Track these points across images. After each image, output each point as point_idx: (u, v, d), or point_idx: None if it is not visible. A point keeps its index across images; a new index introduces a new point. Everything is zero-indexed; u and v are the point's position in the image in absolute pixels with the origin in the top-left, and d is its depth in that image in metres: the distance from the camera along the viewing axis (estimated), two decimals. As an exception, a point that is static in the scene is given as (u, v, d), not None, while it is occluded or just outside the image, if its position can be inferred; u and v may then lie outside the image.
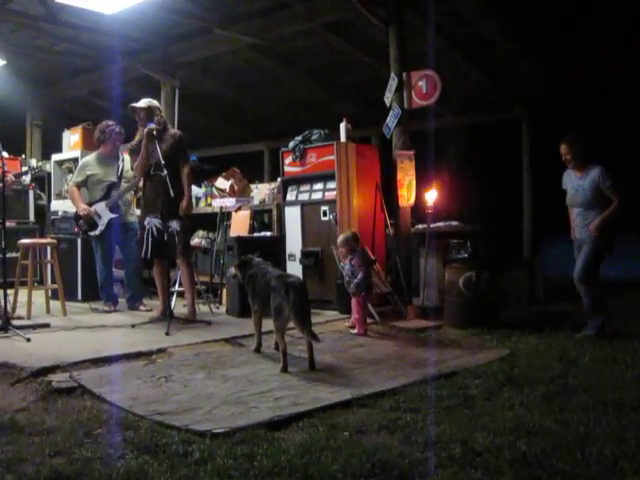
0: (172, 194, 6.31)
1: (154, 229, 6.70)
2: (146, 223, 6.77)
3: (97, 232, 7.52)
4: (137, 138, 6.86)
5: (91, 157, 7.85)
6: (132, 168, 7.06)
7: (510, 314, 7.37)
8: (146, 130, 6.59)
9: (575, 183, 6.47)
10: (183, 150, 6.88)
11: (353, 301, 6.65)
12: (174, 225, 6.67)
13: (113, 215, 7.53)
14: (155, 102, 7.02)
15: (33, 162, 11.37)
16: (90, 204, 7.57)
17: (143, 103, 6.82)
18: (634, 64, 8.76)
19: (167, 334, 6.02)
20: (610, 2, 7.76)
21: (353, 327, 6.58)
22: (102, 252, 7.65)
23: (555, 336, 6.30)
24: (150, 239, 6.71)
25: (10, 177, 6.79)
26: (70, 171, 10.73)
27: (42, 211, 10.71)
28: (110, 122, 7.84)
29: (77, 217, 7.68)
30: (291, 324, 5.00)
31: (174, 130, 7.08)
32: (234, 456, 3.20)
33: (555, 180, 6.75)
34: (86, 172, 7.69)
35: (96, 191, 7.66)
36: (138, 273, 7.79)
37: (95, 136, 7.90)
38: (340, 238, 6.82)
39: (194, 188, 8.54)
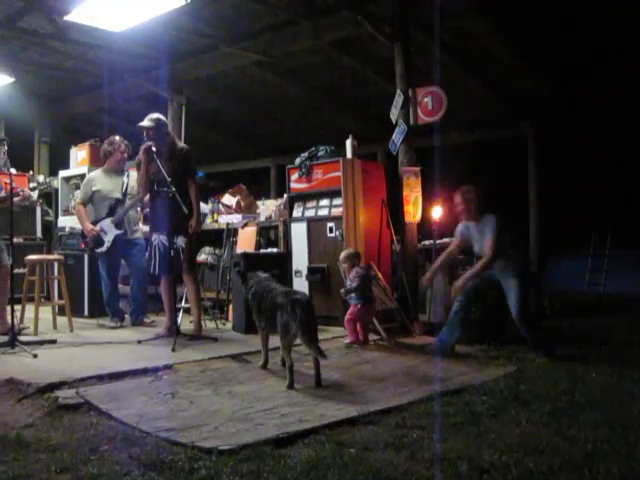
0: (186, 210, 6.34)
1: (161, 245, 6.73)
2: (153, 239, 6.81)
3: (103, 249, 7.55)
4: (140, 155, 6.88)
5: (96, 173, 7.88)
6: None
7: (516, 330, 7.33)
8: (143, 147, 6.62)
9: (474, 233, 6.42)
10: (190, 166, 6.91)
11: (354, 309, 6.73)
12: (179, 242, 6.70)
13: (118, 231, 7.55)
14: (162, 118, 7.03)
15: (40, 178, 11.43)
16: (96, 222, 7.60)
17: (150, 122, 6.80)
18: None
19: (173, 350, 6.01)
20: (614, 16, 7.79)
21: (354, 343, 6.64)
22: (107, 268, 7.67)
23: (561, 352, 6.28)
24: (157, 255, 6.75)
25: (27, 191, 6.88)
26: (77, 187, 10.78)
27: (49, 227, 10.76)
28: (117, 137, 7.88)
29: (84, 235, 7.71)
30: (297, 341, 5.00)
31: (182, 145, 7.08)
32: (240, 473, 3.19)
33: (561, 196, 6.75)
34: (91, 188, 7.71)
35: (101, 207, 7.68)
36: (143, 289, 7.80)
37: (102, 149, 7.92)
38: (342, 254, 6.96)
39: (201, 205, 8.57)
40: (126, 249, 7.65)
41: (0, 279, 6.64)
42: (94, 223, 7.58)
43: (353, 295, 6.67)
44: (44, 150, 12.89)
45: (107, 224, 7.56)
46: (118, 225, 7.57)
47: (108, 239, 7.52)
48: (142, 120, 6.80)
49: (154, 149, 6.59)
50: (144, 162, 6.67)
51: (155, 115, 6.89)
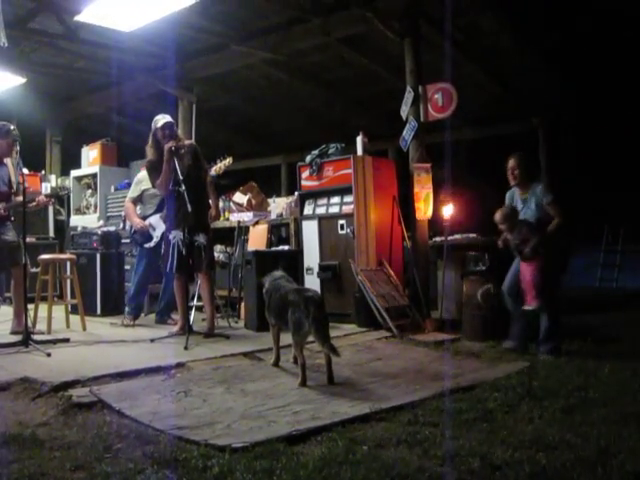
0: (189, 208, 6.34)
1: (180, 243, 6.73)
2: (172, 237, 6.79)
3: (152, 244, 7.59)
4: (153, 156, 6.86)
5: (145, 173, 7.88)
6: (153, 185, 7.08)
7: (528, 326, 7.32)
8: (167, 147, 6.62)
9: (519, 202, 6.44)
10: (201, 160, 6.95)
11: (524, 268, 6.18)
12: (201, 239, 6.71)
13: None
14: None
15: (52, 178, 11.49)
16: (144, 218, 7.66)
17: (170, 118, 6.86)
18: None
19: (186, 348, 6.03)
20: (624, 9, 7.75)
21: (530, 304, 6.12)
22: (147, 264, 7.71)
23: (574, 348, 6.27)
24: (175, 253, 6.74)
25: (42, 197, 6.93)
26: (89, 186, 10.87)
27: (61, 226, 10.82)
28: None
29: (133, 231, 7.77)
30: (309, 338, 5.01)
31: (188, 141, 7.10)
32: (253, 470, 3.20)
33: (572, 191, 6.72)
34: (141, 187, 7.79)
35: (149, 205, 7.75)
36: (172, 288, 7.80)
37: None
38: (499, 214, 6.37)
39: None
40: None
41: (19, 279, 6.67)
42: (143, 218, 7.65)
43: (538, 248, 6.06)
44: (56, 150, 12.94)
45: (156, 219, 7.60)
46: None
47: (156, 234, 7.55)
48: (151, 119, 6.83)
49: (174, 149, 6.62)
50: (167, 161, 6.66)
51: (164, 115, 6.92)
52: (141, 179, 7.88)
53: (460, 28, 8.33)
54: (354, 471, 3.17)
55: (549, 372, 5.33)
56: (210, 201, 7.05)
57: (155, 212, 7.67)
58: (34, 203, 6.92)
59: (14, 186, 6.81)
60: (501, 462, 3.29)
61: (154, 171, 6.82)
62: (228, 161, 8.30)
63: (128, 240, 8.27)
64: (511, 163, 6.43)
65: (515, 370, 5.45)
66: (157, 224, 7.59)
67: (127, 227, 8.15)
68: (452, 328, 7.19)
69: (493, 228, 6.47)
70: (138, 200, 7.88)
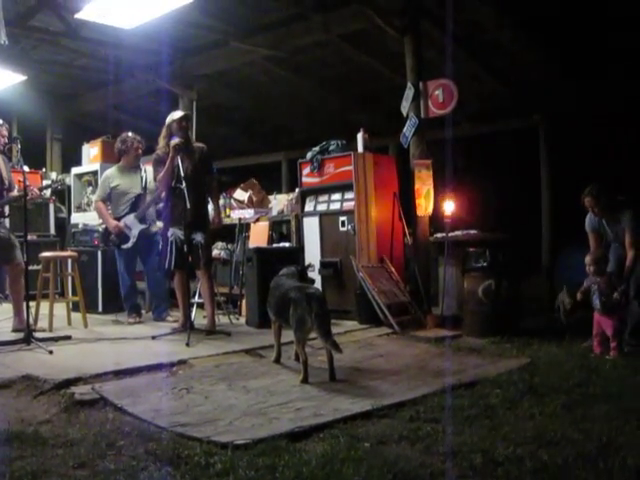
0: (189, 205, 6.36)
1: (178, 241, 6.74)
2: (169, 234, 6.80)
3: (129, 244, 7.58)
4: (162, 149, 6.87)
5: (112, 170, 7.89)
6: (155, 179, 7.08)
7: (530, 322, 7.34)
8: (174, 143, 6.62)
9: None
10: (211, 164, 6.98)
11: (604, 319, 5.97)
12: (198, 237, 6.73)
13: (143, 226, 7.58)
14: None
15: (53, 175, 11.48)
16: (117, 219, 7.63)
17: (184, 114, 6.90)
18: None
19: (187, 345, 6.05)
20: (626, 5, 7.73)
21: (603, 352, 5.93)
22: (127, 263, 7.71)
23: (575, 344, 6.28)
24: (174, 250, 6.76)
25: (35, 191, 6.91)
26: (90, 184, 10.84)
27: (62, 224, 10.81)
28: (130, 133, 7.89)
29: (107, 233, 7.72)
30: (311, 335, 5.02)
31: (199, 144, 7.09)
32: (256, 467, 3.21)
33: (573, 187, 6.70)
34: (109, 185, 7.74)
35: (121, 204, 7.69)
36: (162, 284, 7.81)
37: (116, 147, 7.93)
38: (590, 257, 6.21)
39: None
40: (146, 244, 7.65)
41: (15, 277, 6.69)
42: (117, 219, 7.62)
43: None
44: (56, 147, 12.94)
45: (131, 220, 7.58)
46: (142, 220, 7.59)
47: (133, 234, 7.55)
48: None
49: (181, 146, 6.63)
50: (171, 158, 6.66)
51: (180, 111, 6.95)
52: (109, 176, 7.81)
53: (460, 24, 8.31)
54: (356, 468, 3.18)
55: (550, 368, 5.34)
56: (211, 207, 7.04)
57: (129, 212, 7.63)
58: (28, 197, 6.90)
59: (6, 182, 6.77)
60: (503, 458, 3.30)
61: (160, 164, 6.82)
62: None
63: (102, 244, 8.15)
64: (587, 202, 6.29)
65: (516, 366, 5.46)
66: (132, 224, 7.57)
67: (101, 230, 8.11)
68: (453, 324, 7.19)
69: (494, 225, 6.47)
70: (107, 199, 7.81)
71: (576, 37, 8.45)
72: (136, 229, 7.55)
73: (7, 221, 6.82)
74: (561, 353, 5.96)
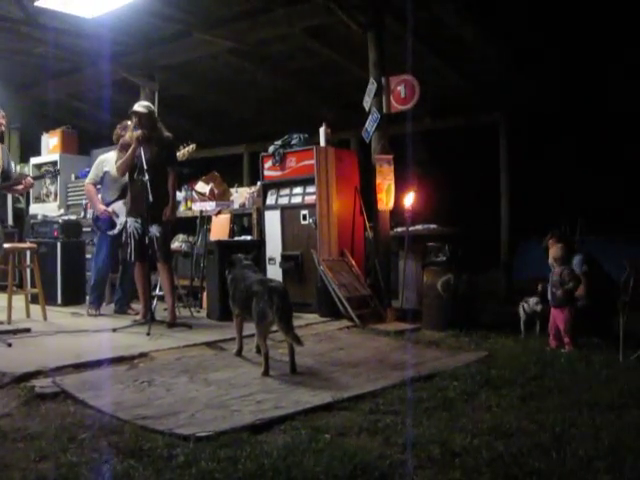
0: (151, 199, 6.34)
1: (135, 232, 6.73)
2: (128, 225, 6.80)
3: (115, 231, 7.50)
4: (128, 138, 6.81)
5: (109, 155, 7.75)
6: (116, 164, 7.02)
7: (487, 316, 7.47)
8: (136, 135, 6.58)
9: None
10: (173, 155, 6.94)
11: (557, 313, 6.12)
12: (154, 230, 6.70)
13: None
14: (152, 106, 7.03)
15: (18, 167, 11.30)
16: (107, 204, 7.56)
17: (144, 108, 6.77)
18: (613, 65, 8.87)
19: (148, 334, 6.08)
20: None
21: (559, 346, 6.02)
22: (109, 252, 7.64)
23: (532, 337, 6.42)
24: (132, 241, 6.75)
25: (28, 179, 6.86)
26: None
27: (21, 214, 10.66)
28: (129, 122, 7.79)
29: (96, 217, 7.67)
30: (273, 328, 5.05)
31: (167, 133, 6.98)
32: (218, 459, 3.24)
33: (531, 183, 6.83)
34: (102, 169, 7.67)
35: (111, 190, 7.63)
36: (131, 277, 7.75)
37: (115, 133, 7.72)
38: (560, 250, 6.39)
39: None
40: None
41: None
42: (105, 205, 7.56)
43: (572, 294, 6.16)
44: (15, 137, 12.72)
45: (119, 206, 7.50)
46: None
47: (120, 221, 7.43)
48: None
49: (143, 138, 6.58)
50: (132, 149, 6.61)
51: (146, 103, 6.88)
52: (103, 160, 7.76)
53: (423, 20, 8.37)
54: (317, 459, 3.22)
55: (507, 361, 5.45)
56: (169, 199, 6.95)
57: (118, 199, 7.58)
58: (20, 186, 6.85)
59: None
60: (460, 449, 3.38)
61: (123, 149, 6.81)
62: (192, 147, 8.28)
63: (89, 228, 8.12)
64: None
65: (474, 359, 5.56)
66: (120, 211, 7.50)
67: (89, 214, 8.05)
68: (413, 318, 7.28)
69: (453, 220, 6.57)
70: (99, 183, 7.75)
71: (535, 35, 8.58)
72: (123, 216, 7.45)
73: None
74: (518, 347, 6.08)
